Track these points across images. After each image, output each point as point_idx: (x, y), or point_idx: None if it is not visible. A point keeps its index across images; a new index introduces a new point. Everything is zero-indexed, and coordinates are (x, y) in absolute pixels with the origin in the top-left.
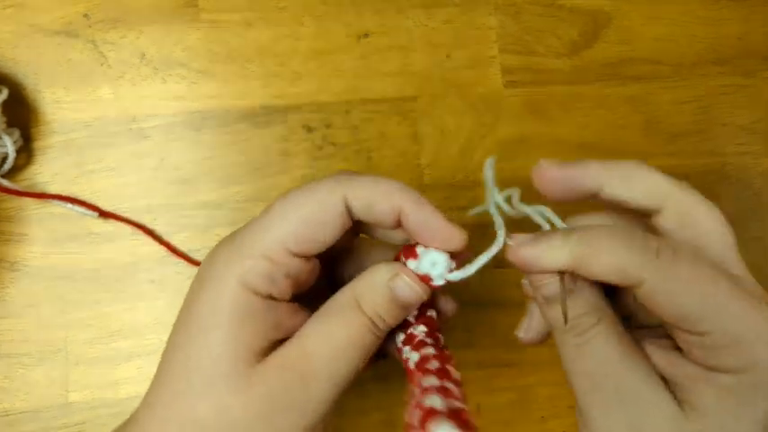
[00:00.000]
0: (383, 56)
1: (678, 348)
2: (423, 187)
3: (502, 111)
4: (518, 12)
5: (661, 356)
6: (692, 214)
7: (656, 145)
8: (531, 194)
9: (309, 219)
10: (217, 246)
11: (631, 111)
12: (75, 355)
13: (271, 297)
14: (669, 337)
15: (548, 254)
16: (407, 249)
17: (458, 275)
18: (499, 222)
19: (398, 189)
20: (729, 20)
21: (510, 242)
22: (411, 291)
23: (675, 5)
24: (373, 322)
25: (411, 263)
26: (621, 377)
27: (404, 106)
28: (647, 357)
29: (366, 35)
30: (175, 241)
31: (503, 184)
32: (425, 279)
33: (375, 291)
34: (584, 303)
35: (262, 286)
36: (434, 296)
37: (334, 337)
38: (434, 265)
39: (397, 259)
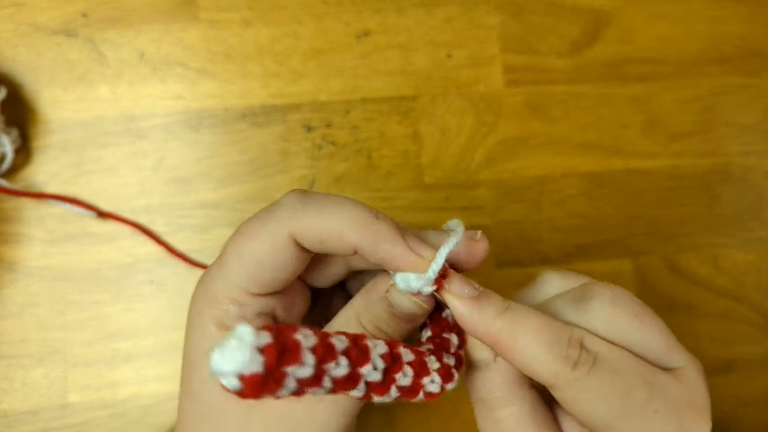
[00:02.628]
0: (383, 55)
1: None
2: (423, 187)
3: (503, 110)
4: (519, 11)
5: None
6: (619, 321)
7: (658, 145)
8: (530, 197)
9: (263, 262)
10: (196, 285)
11: (633, 110)
12: (74, 356)
13: None
14: None
15: (476, 321)
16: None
17: (427, 282)
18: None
19: (350, 225)
20: (731, 18)
21: (454, 287)
22: (409, 301)
23: (677, 4)
24: (372, 335)
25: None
26: None
27: (404, 106)
28: None
29: (366, 34)
30: (174, 241)
31: (503, 185)
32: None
33: (373, 304)
34: (501, 381)
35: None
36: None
37: None
38: (408, 283)
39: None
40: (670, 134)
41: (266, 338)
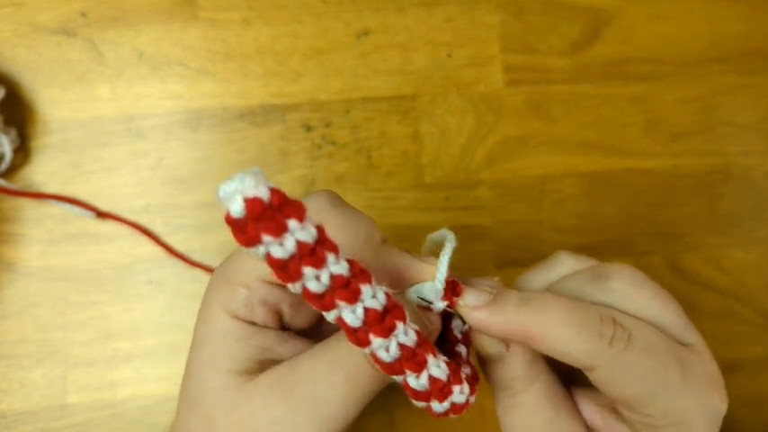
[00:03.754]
0: (383, 54)
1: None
2: (423, 187)
3: (503, 110)
4: (520, 10)
5: (597, 416)
6: (638, 299)
7: (659, 144)
8: (530, 197)
9: None
10: (214, 271)
11: (633, 110)
12: (74, 357)
13: (252, 323)
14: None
15: (500, 322)
16: None
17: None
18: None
19: (365, 240)
20: (731, 18)
21: (468, 300)
22: (417, 315)
23: (677, 4)
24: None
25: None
26: None
27: (404, 105)
28: (580, 420)
29: (366, 34)
30: (173, 241)
31: (503, 184)
32: (426, 309)
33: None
34: (518, 366)
35: (241, 312)
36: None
37: (325, 361)
38: (420, 292)
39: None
40: (670, 134)
41: (275, 186)
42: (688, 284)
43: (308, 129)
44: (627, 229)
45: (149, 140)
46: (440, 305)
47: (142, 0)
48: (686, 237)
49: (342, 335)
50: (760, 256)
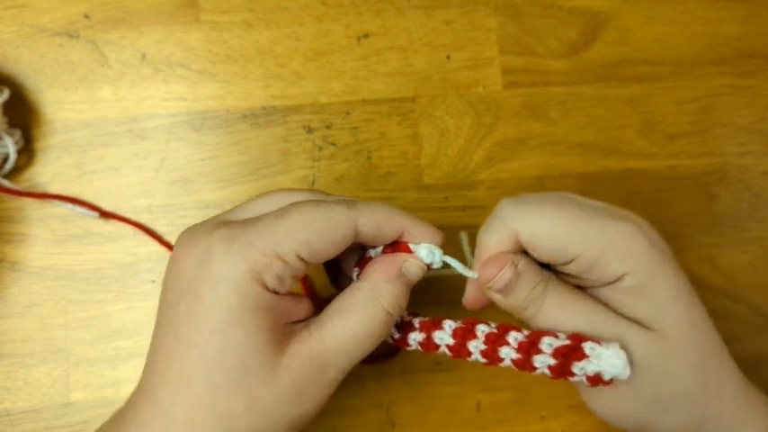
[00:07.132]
0: (383, 57)
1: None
2: (422, 187)
3: (501, 111)
4: (518, 13)
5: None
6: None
7: (656, 145)
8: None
9: (324, 235)
10: (211, 243)
11: (630, 111)
12: (77, 355)
13: (275, 292)
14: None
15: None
16: (395, 245)
17: (449, 260)
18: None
19: (396, 213)
20: (728, 20)
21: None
22: (422, 270)
23: (674, 6)
24: (390, 314)
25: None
26: (592, 319)
27: (404, 107)
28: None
29: (366, 36)
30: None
31: (501, 185)
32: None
33: (392, 283)
34: (531, 278)
35: (272, 283)
36: None
37: (355, 332)
38: (433, 253)
39: (384, 252)
40: (667, 135)
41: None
42: None
43: (309, 130)
44: None
45: (152, 141)
46: (438, 265)
47: (144, 2)
48: (682, 236)
49: (359, 304)
50: (755, 255)
